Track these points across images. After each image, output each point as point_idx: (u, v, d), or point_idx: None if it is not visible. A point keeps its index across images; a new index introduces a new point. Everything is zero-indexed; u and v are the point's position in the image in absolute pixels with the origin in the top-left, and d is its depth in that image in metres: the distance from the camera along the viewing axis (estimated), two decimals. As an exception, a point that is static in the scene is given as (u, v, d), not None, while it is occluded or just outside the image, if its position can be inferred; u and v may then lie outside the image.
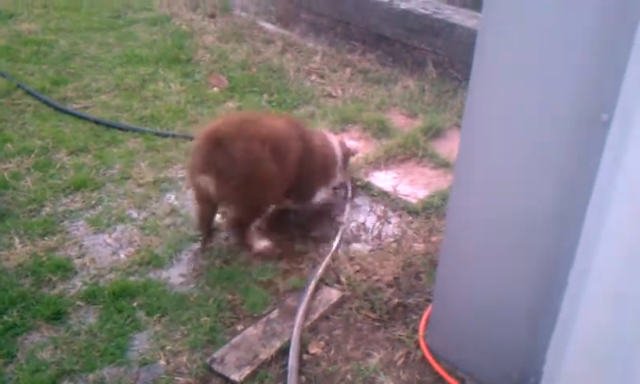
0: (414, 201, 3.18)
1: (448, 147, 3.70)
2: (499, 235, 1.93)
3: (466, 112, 1.93)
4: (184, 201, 3.09)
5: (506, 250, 1.93)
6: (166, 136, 3.67)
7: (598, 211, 1.62)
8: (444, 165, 3.53)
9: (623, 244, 1.61)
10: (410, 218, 3.05)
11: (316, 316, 2.40)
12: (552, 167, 1.75)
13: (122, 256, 2.69)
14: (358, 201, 3.21)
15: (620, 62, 1.49)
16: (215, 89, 4.34)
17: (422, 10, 4.66)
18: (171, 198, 3.12)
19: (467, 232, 2.03)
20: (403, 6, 4.74)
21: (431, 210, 3.09)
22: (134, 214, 2.97)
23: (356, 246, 2.85)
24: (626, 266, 1.62)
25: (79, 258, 2.66)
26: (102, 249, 2.73)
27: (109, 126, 3.71)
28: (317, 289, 2.53)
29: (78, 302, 2.42)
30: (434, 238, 2.80)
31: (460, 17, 4.51)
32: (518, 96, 1.77)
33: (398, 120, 4.03)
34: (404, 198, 3.20)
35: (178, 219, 2.96)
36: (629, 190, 1.55)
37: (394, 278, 2.57)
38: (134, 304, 2.43)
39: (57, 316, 2.34)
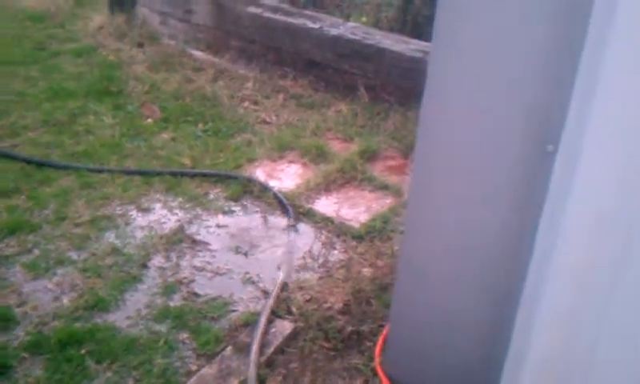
0: (356, 225, 3.22)
1: (385, 169, 3.79)
2: (455, 256, 1.99)
3: (419, 138, 1.97)
4: (125, 239, 3.03)
5: (462, 270, 1.99)
6: (101, 171, 3.58)
7: (549, 231, 1.70)
8: (382, 187, 3.60)
9: (573, 261, 1.69)
10: (354, 242, 3.09)
11: (271, 350, 2.39)
12: (505, 192, 1.83)
13: (64, 301, 2.60)
14: (301, 228, 3.23)
15: (565, 97, 1.58)
16: (149, 120, 4.28)
17: (352, 36, 4.74)
18: (111, 236, 3.05)
19: (423, 254, 2.08)
20: (333, 32, 4.82)
21: (374, 233, 3.14)
22: (74, 256, 2.88)
23: (304, 274, 2.87)
24: (576, 283, 1.71)
25: (19, 306, 2.55)
26: (43, 295, 2.63)
27: (40, 164, 3.59)
28: (269, 322, 2.52)
29: (23, 354, 2.32)
30: (380, 263, 2.85)
31: (389, 41, 4.62)
32: (469, 127, 1.84)
33: (334, 144, 4.08)
34: (347, 222, 3.24)
35: (119, 258, 2.89)
36: (575, 214, 1.63)
37: (345, 305, 2.59)
38: (82, 351, 2.35)
39: (2, 371, 2.24)
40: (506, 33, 1.71)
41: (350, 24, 5.05)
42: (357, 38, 4.71)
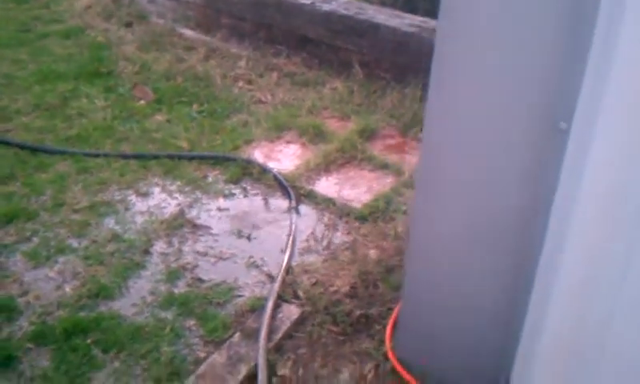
0: (358, 206, 3.19)
1: (384, 148, 3.75)
2: (466, 236, 1.97)
3: (427, 118, 1.93)
4: (125, 225, 2.98)
5: (473, 250, 1.97)
6: (97, 156, 3.52)
7: (563, 210, 1.68)
8: (383, 166, 3.56)
9: (587, 239, 1.67)
10: (358, 223, 3.06)
11: (279, 335, 2.37)
12: (516, 171, 1.80)
13: (67, 290, 2.56)
14: (302, 210, 3.20)
15: (578, 73, 1.55)
16: (142, 101, 4.20)
17: (345, 11, 4.67)
18: (111, 222, 3.00)
19: (434, 236, 2.05)
20: (326, 7, 4.74)
21: (377, 213, 3.11)
22: (74, 244, 2.83)
23: (309, 257, 2.84)
24: (590, 256, 1.69)
25: (22, 296, 2.51)
26: (45, 284, 2.59)
27: (35, 149, 3.52)
28: (276, 306, 2.50)
29: (28, 345, 2.29)
30: (385, 244, 2.83)
31: (383, 16, 4.55)
32: (478, 105, 1.80)
33: (331, 123, 4.03)
34: (349, 203, 3.21)
35: (121, 245, 2.84)
36: (590, 189, 1.61)
37: (352, 288, 2.57)
38: (88, 341, 2.32)
39: (7, 362, 2.20)
40: (517, 10, 1.67)
41: (343, -1, 4.97)
42: (350, 13, 4.64)
